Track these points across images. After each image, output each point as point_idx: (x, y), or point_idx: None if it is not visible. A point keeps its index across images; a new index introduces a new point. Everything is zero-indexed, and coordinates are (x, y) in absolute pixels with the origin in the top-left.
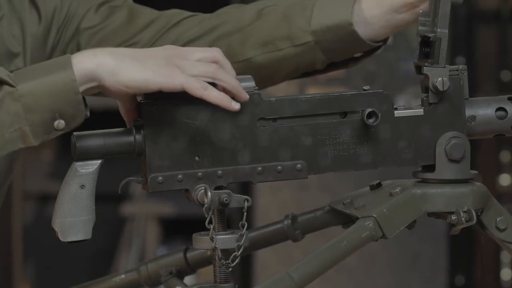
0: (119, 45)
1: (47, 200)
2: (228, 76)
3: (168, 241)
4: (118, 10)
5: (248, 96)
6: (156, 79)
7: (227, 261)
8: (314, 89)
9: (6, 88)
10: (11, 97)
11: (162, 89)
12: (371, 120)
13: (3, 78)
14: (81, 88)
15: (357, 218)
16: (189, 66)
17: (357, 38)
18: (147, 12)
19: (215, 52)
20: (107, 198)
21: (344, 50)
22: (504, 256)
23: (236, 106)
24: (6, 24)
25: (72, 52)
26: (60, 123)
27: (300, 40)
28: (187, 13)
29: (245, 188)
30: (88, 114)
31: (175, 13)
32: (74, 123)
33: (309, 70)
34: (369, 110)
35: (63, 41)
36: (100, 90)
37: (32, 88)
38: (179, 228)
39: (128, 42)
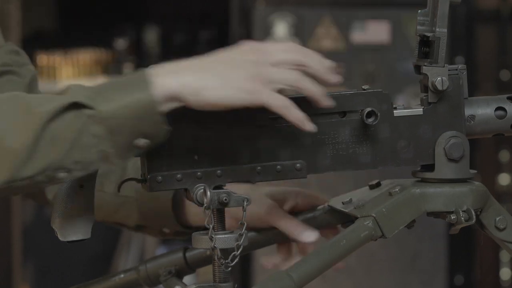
0: None
1: None
2: (310, 85)
3: (167, 240)
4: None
5: (332, 103)
6: (240, 97)
7: (226, 261)
8: None
9: (87, 111)
10: (93, 120)
11: (246, 106)
12: (370, 120)
13: (83, 102)
14: (163, 108)
15: (356, 218)
16: (271, 74)
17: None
18: None
19: (297, 54)
20: None
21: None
22: (503, 255)
23: (310, 127)
24: None
25: None
26: (141, 141)
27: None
28: None
29: None
30: (168, 129)
31: None
32: (155, 141)
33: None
34: (368, 109)
35: None
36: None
37: (114, 111)
38: None
39: None
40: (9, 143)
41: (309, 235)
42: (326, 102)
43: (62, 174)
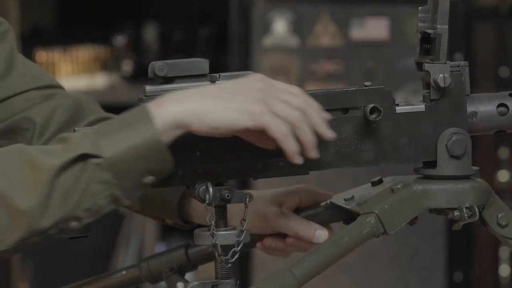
0: None
1: None
2: (307, 131)
3: (167, 237)
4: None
5: (318, 155)
6: (242, 121)
7: (227, 257)
8: (312, 86)
9: (94, 160)
10: (100, 168)
11: (250, 129)
12: (373, 116)
13: (90, 153)
14: (167, 138)
15: (359, 214)
16: (274, 103)
17: None
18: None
19: (302, 100)
20: None
21: None
22: (503, 252)
23: (299, 161)
24: None
25: None
26: (149, 179)
27: None
28: None
29: (244, 184)
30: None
31: None
32: (162, 175)
33: None
34: (371, 105)
35: None
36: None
37: (120, 155)
38: None
39: None
40: (21, 203)
41: (320, 236)
42: (313, 154)
43: (73, 224)
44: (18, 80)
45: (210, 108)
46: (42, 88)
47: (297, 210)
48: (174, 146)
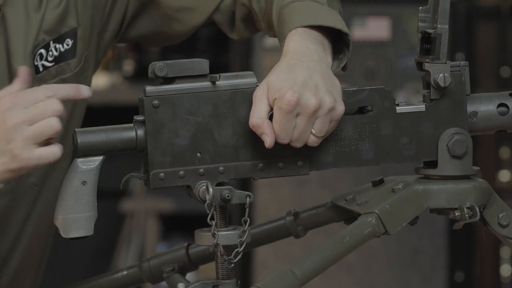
0: None
1: None
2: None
3: (168, 237)
4: None
5: (87, 94)
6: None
7: (229, 257)
8: None
9: None
10: None
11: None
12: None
13: None
14: None
15: (360, 215)
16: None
17: None
18: None
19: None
20: (107, 194)
21: None
22: (504, 252)
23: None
24: None
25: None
26: None
27: None
28: None
29: (245, 184)
30: None
31: None
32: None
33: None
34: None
35: None
36: None
37: None
38: (179, 224)
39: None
40: None
41: None
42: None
43: None
44: None
45: None
46: None
47: (297, 212)
48: (176, 145)
